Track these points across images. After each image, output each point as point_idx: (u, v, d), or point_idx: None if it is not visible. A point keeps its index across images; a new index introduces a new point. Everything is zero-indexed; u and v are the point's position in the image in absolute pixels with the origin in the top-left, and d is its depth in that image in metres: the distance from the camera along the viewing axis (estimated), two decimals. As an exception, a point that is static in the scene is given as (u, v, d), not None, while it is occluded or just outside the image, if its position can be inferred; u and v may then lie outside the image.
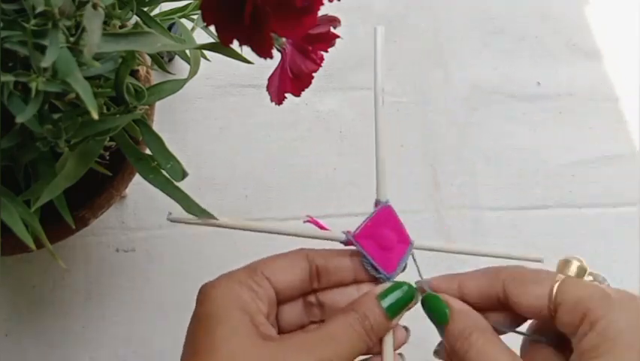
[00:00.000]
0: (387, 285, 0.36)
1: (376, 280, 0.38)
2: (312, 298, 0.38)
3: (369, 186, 0.63)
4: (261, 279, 0.35)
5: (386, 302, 0.35)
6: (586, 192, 0.65)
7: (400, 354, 0.37)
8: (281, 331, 0.38)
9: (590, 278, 0.36)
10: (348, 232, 0.38)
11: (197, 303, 0.35)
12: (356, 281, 0.38)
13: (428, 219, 0.62)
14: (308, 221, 0.39)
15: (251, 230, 0.39)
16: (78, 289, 0.57)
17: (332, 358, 0.33)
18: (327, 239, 0.38)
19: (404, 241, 0.38)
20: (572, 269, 0.35)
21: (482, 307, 0.36)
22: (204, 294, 0.35)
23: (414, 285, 0.37)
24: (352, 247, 0.38)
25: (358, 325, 0.34)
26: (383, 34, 0.40)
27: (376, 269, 0.37)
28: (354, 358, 0.34)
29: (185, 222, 0.37)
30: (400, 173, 0.63)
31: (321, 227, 0.38)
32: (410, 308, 0.37)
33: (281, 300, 0.36)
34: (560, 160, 0.65)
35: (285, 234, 0.39)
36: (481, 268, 0.37)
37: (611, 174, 0.65)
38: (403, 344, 0.38)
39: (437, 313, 0.36)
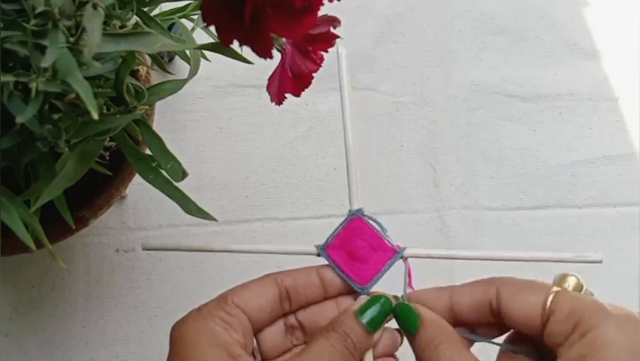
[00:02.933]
0: (363, 300, 0.36)
1: (353, 293, 0.37)
2: (292, 321, 0.37)
3: (369, 186, 0.64)
4: (232, 308, 0.35)
5: (366, 317, 0.35)
6: (586, 192, 0.65)
7: (394, 357, 0.37)
8: (265, 359, 0.37)
9: (589, 291, 0.35)
10: (319, 245, 0.38)
11: (170, 343, 0.34)
12: (327, 297, 0.37)
13: (428, 219, 0.62)
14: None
15: (224, 251, 0.39)
16: (78, 289, 0.57)
17: None
18: (300, 253, 0.38)
19: (384, 250, 0.37)
20: (569, 284, 0.35)
21: (472, 319, 0.36)
22: (176, 333, 0.34)
23: (390, 296, 0.36)
24: (324, 262, 0.38)
25: (340, 344, 0.34)
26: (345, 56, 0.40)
27: (347, 281, 0.37)
28: None
29: (158, 250, 0.38)
30: (400, 173, 0.63)
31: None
32: (390, 320, 0.36)
33: (256, 327, 0.36)
34: (560, 160, 0.65)
35: (257, 252, 0.39)
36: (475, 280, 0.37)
37: (611, 174, 0.65)
38: (397, 348, 0.37)
39: (408, 322, 0.35)
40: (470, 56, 0.67)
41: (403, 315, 0.36)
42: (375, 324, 0.35)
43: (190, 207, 0.40)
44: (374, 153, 0.64)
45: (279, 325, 0.37)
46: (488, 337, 0.36)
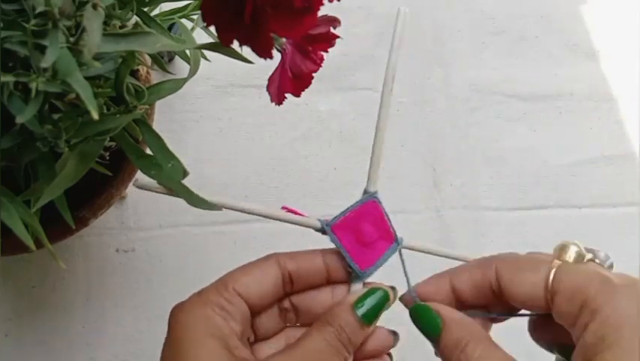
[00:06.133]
0: (360, 292, 0.35)
1: (350, 279, 0.36)
2: (286, 304, 0.37)
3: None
4: (233, 295, 0.34)
5: (361, 310, 0.33)
6: (586, 192, 0.65)
7: (389, 355, 0.36)
8: (258, 339, 0.36)
9: (590, 256, 0.33)
10: (325, 220, 0.36)
11: (168, 328, 0.34)
12: (330, 281, 0.36)
13: (428, 219, 0.62)
14: (284, 208, 0.37)
15: (226, 207, 0.37)
16: (78, 290, 0.57)
17: None
18: (302, 225, 0.36)
19: (386, 238, 0.36)
20: (570, 255, 0.33)
21: (477, 302, 0.34)
22: (175, 319, 0.33)
23: (386, 287, 0.35)
24: (328, 246, 0.36)
25: (335, 339, 0.33)
26: (405, 16, 0.36)
27: (350, 264, 0.35)
28: None
29: (152, 190, 0.35)
30: (400, 173, 0.63)
31: (297, 214, 0.36)
32: (386, 310, 0.35)
33: (255, 312, 0.35)
34: (560, 160, 0.65)
35: (260, 215, 0.36)
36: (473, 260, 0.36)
37: (611, 174, 0.65)
38: (391, 347, 0.36)
39: (428, 325, 0.34)
40: (470, 56, 0.67)
41: (422, 317, 0.34)
42: (370, 317, 0.34)
43: (194, 199, 0.39)
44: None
45: (274, 307, 0.37)
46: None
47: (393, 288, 0.36)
